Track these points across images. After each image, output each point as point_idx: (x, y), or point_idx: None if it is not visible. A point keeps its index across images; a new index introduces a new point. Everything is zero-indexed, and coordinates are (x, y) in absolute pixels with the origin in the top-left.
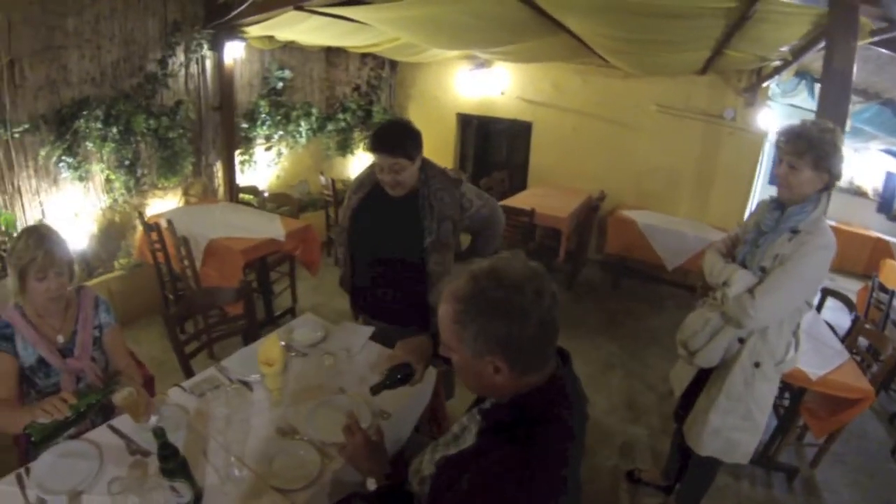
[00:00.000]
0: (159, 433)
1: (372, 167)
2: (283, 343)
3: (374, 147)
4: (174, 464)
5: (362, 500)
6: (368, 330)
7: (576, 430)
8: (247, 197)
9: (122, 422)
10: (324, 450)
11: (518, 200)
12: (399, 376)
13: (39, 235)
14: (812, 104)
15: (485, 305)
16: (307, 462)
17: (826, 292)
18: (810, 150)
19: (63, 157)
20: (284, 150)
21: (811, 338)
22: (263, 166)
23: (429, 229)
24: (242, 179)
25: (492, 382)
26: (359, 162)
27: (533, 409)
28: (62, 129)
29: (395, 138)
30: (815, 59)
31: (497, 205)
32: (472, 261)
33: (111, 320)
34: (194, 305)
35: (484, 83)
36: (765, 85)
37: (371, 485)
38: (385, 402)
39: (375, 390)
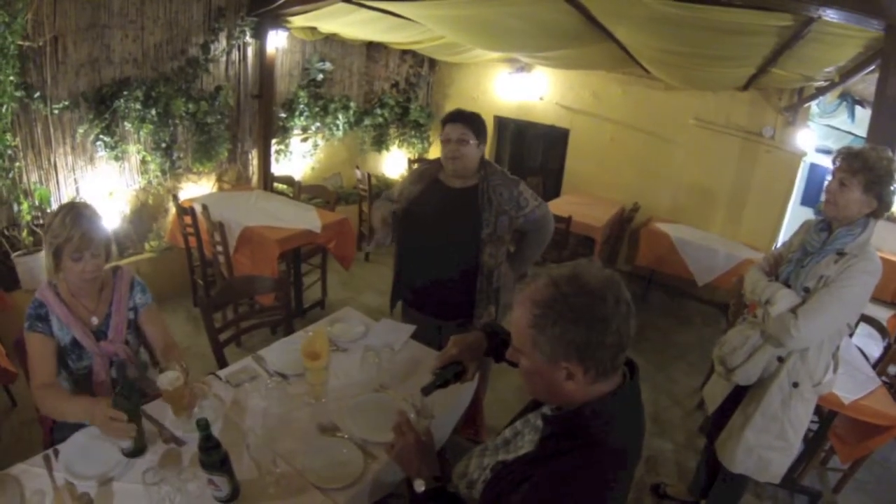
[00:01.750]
0: (203, 424)
1: (429, 163)
2: None
3: (449, 118)
4: (216, 457)
5: (406, 501)
6: (410, 328)
7: (633, 443)
8: (281, 186)
9: (156, 408)
10: (366, 449)
11: (554, 207)
12: (450, 375)
13: (77, 214)
14: (851, 126)
15: (566, 311)
16: (350, 461)
17: (860, 317)
18: (864, 170)
19: (100, 136)
20: (320, 142)
21: (843, 362)
22: (298, 157)
23: (486, 221)
24: (277, 169)
25: (562, 389)
26: (393, 158)
27: (597, 419)
28: (101, 108)
29: (468, 114)
30: (857, 82)
31: (549, 210)
32: (548, 265)
33: (147, 300)
34: (232, 293)
35: (523, 87)
36: (806, 105)
37: (419, 486)
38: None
39: (427, 391)
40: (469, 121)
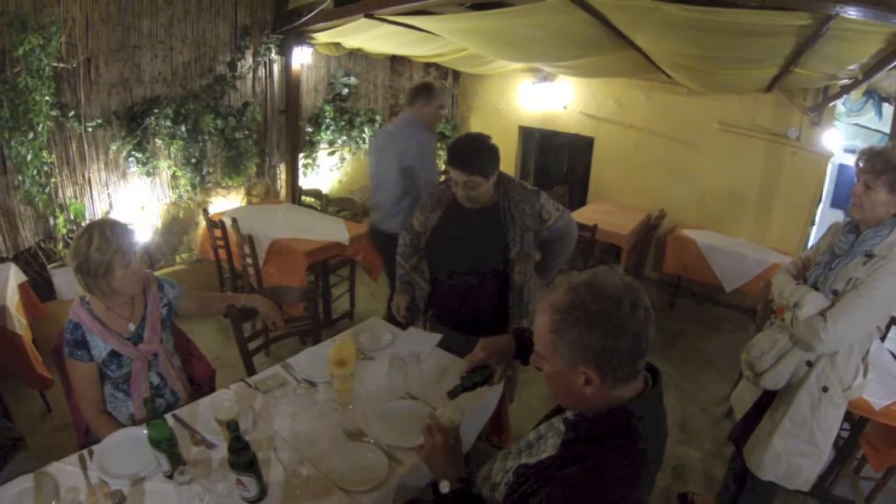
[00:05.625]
0: (233, 427)
1: (444, 185)
2: None
3: (451, 162)
4: (245, 458)
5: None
6: (436, 337)
7: (654, 449)
8: (309, 200)
9: (187, 412)
10: (391, 453)
11: (579, 216)
12: (478, 379)
13: (112, 225)
14: (879, 124)
15: (583, 316)
16: (375, 465)
17: (892, 320)
18: (888, 170)
19: (132, 153)
20: (347, 156)
21: (875, 367)
22: (326, 170)
23: (513, 240)
24: (304, 182)
25: (581, 393)
26: None
27: (618, 424)
28: (133, 125)
29: (472, 154)
30: (883, 78)
31: (572, 217)
32: (570, 273)
33: (177, 291)
34: None
35: (547, 97)
36: (831, 104)
37: (444, 487)
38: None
39: (453, 394)
40: (473, 165)
